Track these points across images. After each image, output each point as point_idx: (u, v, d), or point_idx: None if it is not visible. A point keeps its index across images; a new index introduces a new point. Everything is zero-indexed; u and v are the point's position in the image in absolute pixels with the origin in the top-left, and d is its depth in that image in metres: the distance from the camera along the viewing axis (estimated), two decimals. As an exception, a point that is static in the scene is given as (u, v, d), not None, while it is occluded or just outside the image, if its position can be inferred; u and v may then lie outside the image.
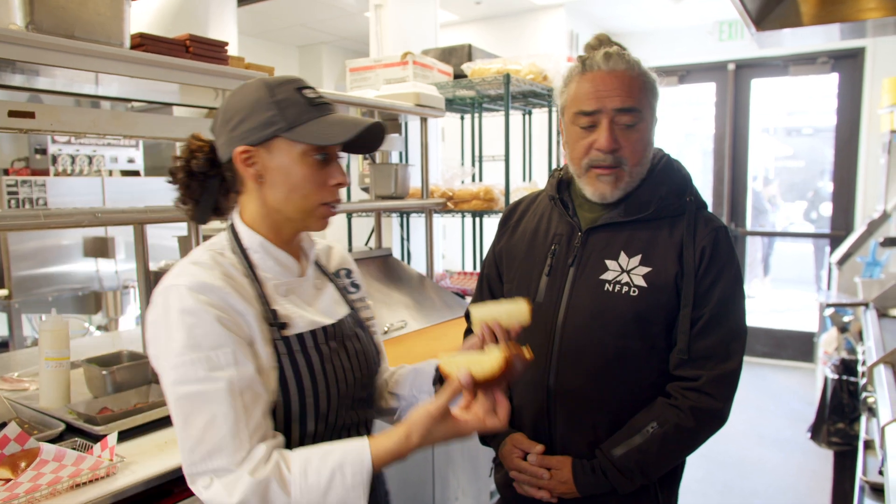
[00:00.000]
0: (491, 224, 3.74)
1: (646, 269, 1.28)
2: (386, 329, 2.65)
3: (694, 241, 1.28)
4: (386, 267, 3.18)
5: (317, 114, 1.08)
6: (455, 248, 4.89)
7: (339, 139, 1.08)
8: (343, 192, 4.02)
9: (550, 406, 1.34)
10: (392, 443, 0.99)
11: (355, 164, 3.96)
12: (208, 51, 2.00)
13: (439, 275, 3.57)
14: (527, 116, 4.06)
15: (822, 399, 3.08)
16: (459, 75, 3.44)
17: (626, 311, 1.27)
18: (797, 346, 5.57)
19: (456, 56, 3.56)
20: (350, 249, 3.37)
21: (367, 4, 4.27)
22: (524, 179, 4.06)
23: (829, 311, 3.72)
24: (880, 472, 1.36)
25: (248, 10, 5.04)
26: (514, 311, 1.15)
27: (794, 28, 2.80)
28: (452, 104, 3.69)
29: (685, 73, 5.88)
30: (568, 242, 1.37)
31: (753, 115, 5.74)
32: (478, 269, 3.94)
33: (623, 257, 1.31)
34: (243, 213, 1.14)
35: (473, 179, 3.86)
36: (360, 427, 1.18)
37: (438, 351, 1.15)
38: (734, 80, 5.63)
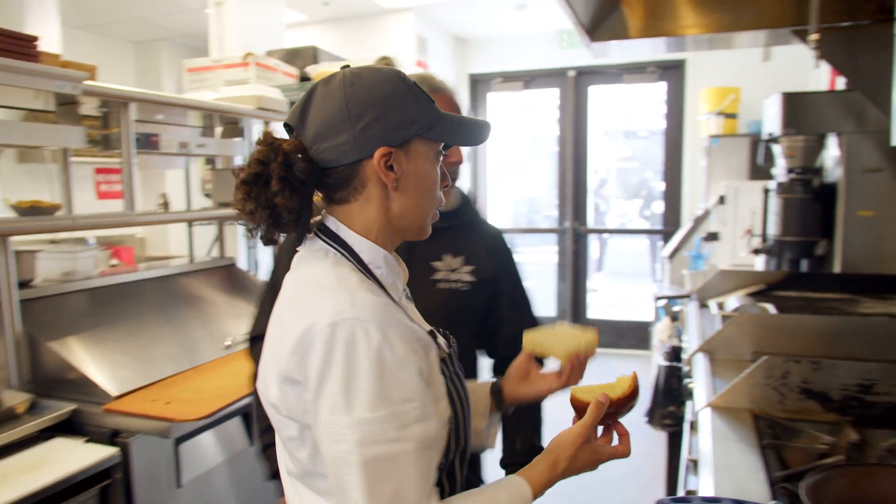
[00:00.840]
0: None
1: (470, 268, 1.45)
2: (228, 343, 2.54)
3: (491, 242, 1.52)
4: (229, 277, 3.04)
5: (439, 110, 0.97)
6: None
7: (482, 139, 1.01)
8: (183, 198, 3.82)
9: None
10: (541, 473, 0.94)
11: (196, 169, 3.76)
12: (13, 45, 1.81)
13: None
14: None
15: (656, 384, 3.32)
16: (305, 78, 3.36)
17: (462, 305, 1.43)
18: (636, 335, 5.97)
19: (301, 58, 3.48)
20: (191, 260, 3.20)
21: (207, 1, 4.06)
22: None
23: (661, 302, 4.03)
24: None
25: (76, 1, 4.63)
26: (589, 341, 1.11)
27: (622, 40, 3.00)
28: (299, 107, 3.60)
29: (530, 79, 6.13)
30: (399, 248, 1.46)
31: (594, 119, 6.10)
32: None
33: (447, 259, 1.44)
34: (352, 224, 0.96)
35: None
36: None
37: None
38: (574, 86, 5.95)
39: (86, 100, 2.18)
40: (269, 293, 1.53)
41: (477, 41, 6.17)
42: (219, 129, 3.14)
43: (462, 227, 1.49)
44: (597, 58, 3.26)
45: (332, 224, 0.97)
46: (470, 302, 1.44)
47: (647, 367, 5.65)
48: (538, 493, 0.93)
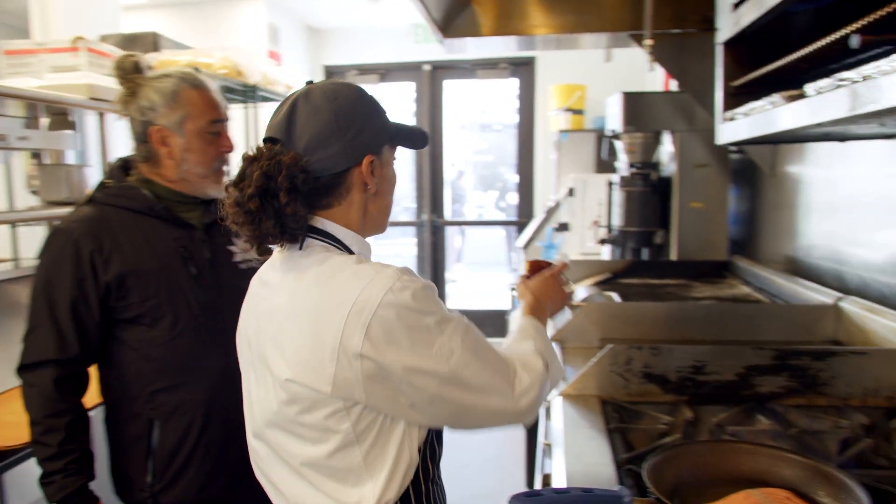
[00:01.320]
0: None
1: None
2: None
3: None
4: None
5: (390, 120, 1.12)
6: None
7: (424, 144, 1.16)
8: (4, 197, 3.44)
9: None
10: (532, 310, 1.28)
11: (19, 164, 3.39)
12: None
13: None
14: (226, 112, 3.86)
15: (515, 372, 3.45)
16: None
17: None
18: (494, 324, 6.15)
19: (140, 44, 3.23)
20: (17, 265, 2.89)
21: (26, -24, 3.67)
22: (227, 178, 3.86)
23: (516, 291, 4.17)
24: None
25: None
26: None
27: (475, 38, 3.06)
28: (139, 97, 3.35)
29: (386, 72, 6.11)
30: (192, 242, 1.54)
31: (450, 112, 6.19)
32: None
33: (239, 242, 1.47)
34: (342, 223, 1.07)
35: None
36: None
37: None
38: (430, 80, 6.00)
39: None
40: (71, 310, 1.44)
41: (331, 32, 6.06)
42: (45, 121, 2.85)
43: None
44: (451, 53, 3.30)
45: (321, 224, 1.06)
46: None
47: (505, 355, 5.87)
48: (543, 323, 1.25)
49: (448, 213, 6.28)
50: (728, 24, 1.86)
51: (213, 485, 1.53)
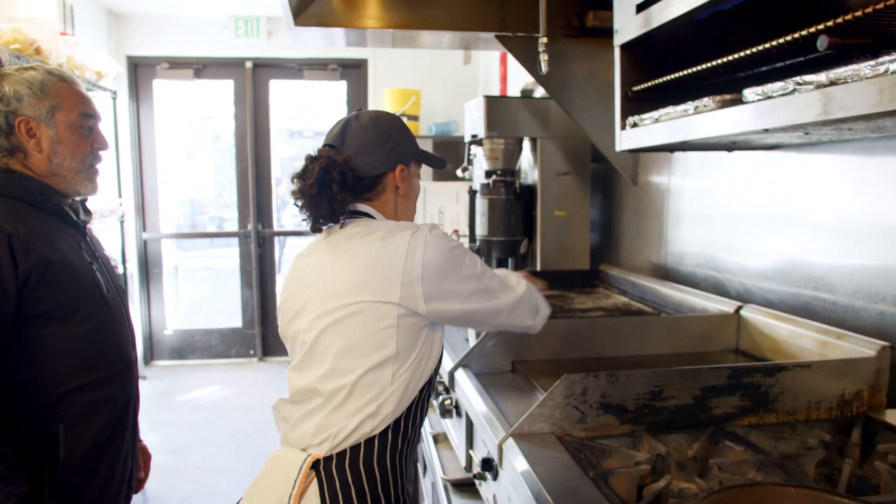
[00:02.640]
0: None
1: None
2: None
3: None
4: None
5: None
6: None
7: (443, 166, 1.58)
8: None
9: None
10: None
11: None
12: None
13: None
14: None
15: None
16: None
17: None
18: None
19: None
20: None
21: None
22: None
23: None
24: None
25: None
26: None
27: (328, 28, 2.76)
28: None
29: (202, 67, 5.51)
30: (84, 240, 1.54)
31: (276, 116, 5.74)
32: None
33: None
34: (385, 213, 1.43)
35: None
36: None
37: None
38: (252, 78, 5.52)
39: None
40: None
41: (137, 18, 5.33)
42: None
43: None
44: (295, 45, 2.97)
45: (363, 208, 1.41)
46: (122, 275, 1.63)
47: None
48: None
49: (275, 223, 5.82)
50: (630, 26, 1.78)
51: (117, 494, 1.54)
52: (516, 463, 1.22)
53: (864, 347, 1.47)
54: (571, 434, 1.31)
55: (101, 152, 1.55)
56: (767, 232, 1.99)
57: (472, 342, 1.86)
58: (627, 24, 1.80)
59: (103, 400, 1.48)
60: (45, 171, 1.47)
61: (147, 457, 1.80)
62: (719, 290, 2.21)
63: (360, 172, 1.36)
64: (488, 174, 3.08)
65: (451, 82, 5.24)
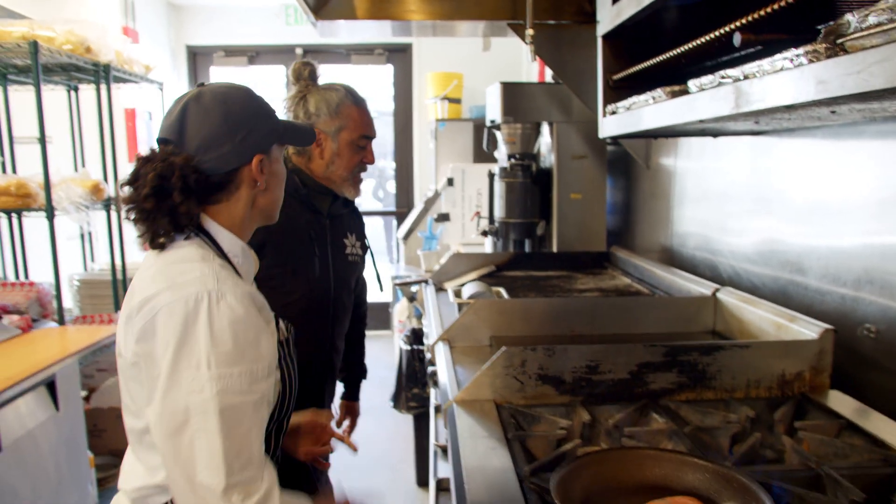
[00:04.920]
0: (34, 225, 3.10)
1: (359, 243, 1.94)
2: None
3: (361, 223, 2.01)
4: None
5: (279, 118, 1.21)
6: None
7: (311, 140, 1.29)
8: None
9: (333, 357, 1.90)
10: None
11: None
12: None
13: (-36, 290, 2.84)
14: (73, 93, 3.47)
15: (399, 368, 3.35)
16: (-29, 39, 2.73)
17: (359, 269, 1.97)
18: (378, 316, 6.04)
19: (-36, 13, 2.82)
20: None
21: None
22: (76, 168, 3.47)
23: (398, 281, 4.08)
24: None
25: None
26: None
27: (349, 20, 2.91)
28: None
29: (255, 55, 5.79)
30: (318, 227, 1.78)
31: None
32: (25, 279, 3.26)
33: (350, 237, 1.90)
34: (221, 220, 1.15)
35: (3, 170, 3.15)
36: None
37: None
38: (303, 64, 5.75)
39: None
40: None
41: (195, 9, 5.64)
42: None
43: (353, 213, 1.96)
44: (324, 37, 3.13)
45: (206, 223, 1.14)
46: (361, 267, 1.98)
47: (389, 348, 5.76)
48: None
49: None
50: (608, 17, 1.85)
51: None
52: (451, 423, 1.35)
53: (809, 330, 1.52)
54: (511, 402, 1.43)
55: (368, 166, 1.84)
56: (751, 215, 2.03)
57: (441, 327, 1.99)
58: (606, 15, 1.87)
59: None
60: (321, 174, 1.79)
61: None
62: (714, 272, 2.25)
63: (208, 171, 1.09)
64: (506, 158, 3.18)
65: (494, 65, 5.30)
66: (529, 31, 2.12)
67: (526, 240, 3.15)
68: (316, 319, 1.79)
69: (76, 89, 3.46)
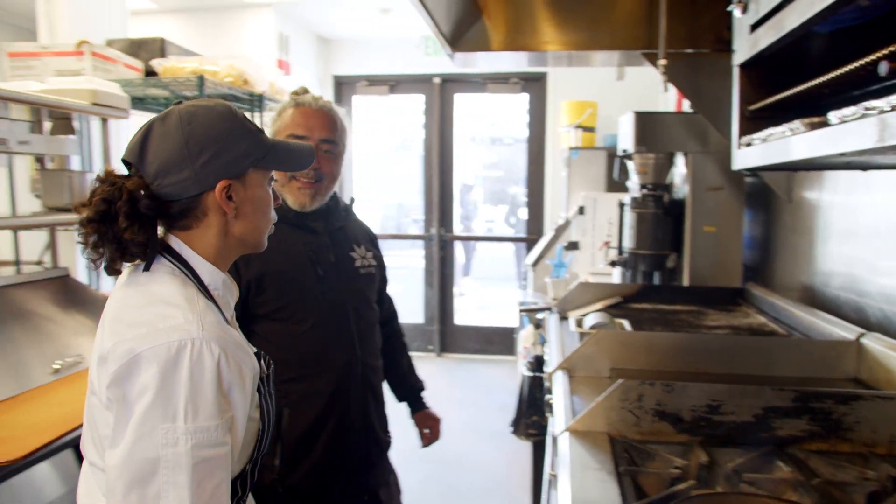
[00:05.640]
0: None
1: (370, 253, 1.87)
2: (58, 366, 2.25)
3: (370, 233, 1.95)
4: (64, 289, 2.72)
5: (269, 140, 1.11)
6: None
7: (307, 164, 1.18)
8: (7, 201, 3.41)
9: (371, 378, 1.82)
10: None
11: (23, 168, 3.35)
12: None
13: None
14: (233, 120, 3.81)
15: (520, 394, 3.35)
16: (151, 72, 3.09)
17: (374, 282, 1.87)
18: (503, 341, 6.08)
19: (147, 50, 3.20)
20: (18, 270, 2.84)
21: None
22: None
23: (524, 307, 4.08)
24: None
25: None
26: None
27: (485, 52, 3.01)
28: (144, 103, 3.30)
29: (395, 84, 6.07)
30: (318, 247, 1.73)
31: (460, 126, 6.14)
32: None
33: (358, 249, 1.84)
34: (195, 247, 1.08)
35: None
36: None
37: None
38: (440, 93, 5.96)
39: None
40: None
41: (341, 42, 6.03)
42: (48, 125, 2.81)
43: (354, 223, 1.89)
44: (460, 68, 3.25)
45: (176, 245, 1.07)
46: (378, 279, 1.90)
47: (513, 374, 5.77)
48: None
49: (457, 228, 6.22)
50: (745, 46, 1.79)
51: (332, 472, 1.70)
52: (563, 453, 1.36)
53: (968, 385, 1.38)
54: (625, 436, 1.40)
55: (312, 171, 1.76)
56: (908, 257, 1.87)
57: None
58: (743, 44, 1.81)
59: (314, 392, 1.67)
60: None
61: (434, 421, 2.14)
62: (860, 315, 2.09)
63: (167, 196, 1.03)
64: (638, 188, 3.12)
65: (630, 93, 5.22)
66: (662, 62, 2.09)
67: (655, 272, 3.06)
68: (337, 344, 1.72)
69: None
